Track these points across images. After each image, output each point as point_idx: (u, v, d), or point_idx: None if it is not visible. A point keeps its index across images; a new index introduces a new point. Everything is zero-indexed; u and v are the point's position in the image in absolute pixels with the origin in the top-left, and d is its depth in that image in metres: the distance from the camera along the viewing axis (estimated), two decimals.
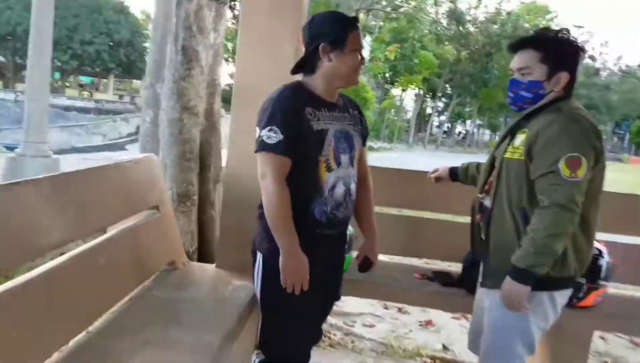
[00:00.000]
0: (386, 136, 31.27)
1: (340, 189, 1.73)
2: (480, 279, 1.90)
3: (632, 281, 2.60)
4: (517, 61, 1.77)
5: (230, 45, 20.51)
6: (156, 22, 3.22)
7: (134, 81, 40.82)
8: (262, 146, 1.63)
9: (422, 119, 40.44)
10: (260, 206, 1.70)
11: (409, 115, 37.84)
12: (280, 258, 1.63)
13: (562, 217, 1.58)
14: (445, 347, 3.17)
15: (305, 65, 1.74)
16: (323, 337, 3.04)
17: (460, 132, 44.90)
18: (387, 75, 28.64)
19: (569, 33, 1.76)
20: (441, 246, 2.60)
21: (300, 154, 1.66)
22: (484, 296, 1.88)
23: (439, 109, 41.07)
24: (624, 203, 2.49)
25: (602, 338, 3.48)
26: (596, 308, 2.15)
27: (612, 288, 2.24)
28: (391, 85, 32.05)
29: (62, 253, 1.66)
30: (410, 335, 3.33)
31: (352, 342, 3.10)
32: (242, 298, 1.88)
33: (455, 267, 2.54)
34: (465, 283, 2.25)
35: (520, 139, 1.73)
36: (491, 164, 1.92)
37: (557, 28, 1.82)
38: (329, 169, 1.71)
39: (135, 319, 1.63)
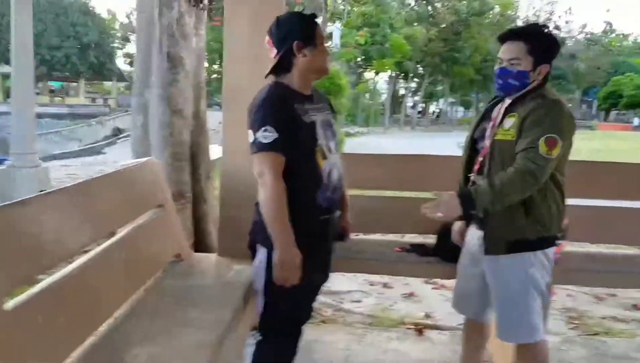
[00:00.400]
0: (363, 120, 31.49)
1: (335, 174, 1.88)
2: (480, 246, 2.02)
3: (584, 239, 2.95)
4: (507, 51, 1.97)
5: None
6: (139, 30, 3.37)
7: (105, 83, 40.22)
8: (260, 147, 1.71)
9: (396, 101, 40.80)
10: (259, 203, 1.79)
11: (384, 97, 38.08)
12: (276, 253, 1.74)
13: (529, 184, 1.83)
14: (427, 315, 3.47)
15: (280, 65, 1.84)
16: (316, 315, 3.33)
17: (434, 112, 45.42)
18: (359, 60, 28.80)
19: (549, 29, 2.04)
20: (416, 222, 2.87)
21: (299, 148, 1.77)
22: (485, 263, 2.04)
23: (412, 89, 41.43)
24: (575, 169, 2.78)
25: (569, 295, 3.84)
26: (555, 265, 2.44)
27: (567, 246, 2.53)
28: (364, 69, 32.24)
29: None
30: (395, 306, 3.61)
31: (342, 317, 3.36)
32: (243, 280, 2.11)
33: (430, 239, 2.81)
34: (440, 251, 2.54)
35: (510, 122, 1.93)
36: (471, 145, 2.12)
37: (541, 23, 2.14)
38: (325, 157, 1.84)
39: (154, 305, 1.85)
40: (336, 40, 16.78)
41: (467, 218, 2.07)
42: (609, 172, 2.97)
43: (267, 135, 1.70)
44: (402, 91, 40.23)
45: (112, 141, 20.70)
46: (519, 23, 36.36)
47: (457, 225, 2.26)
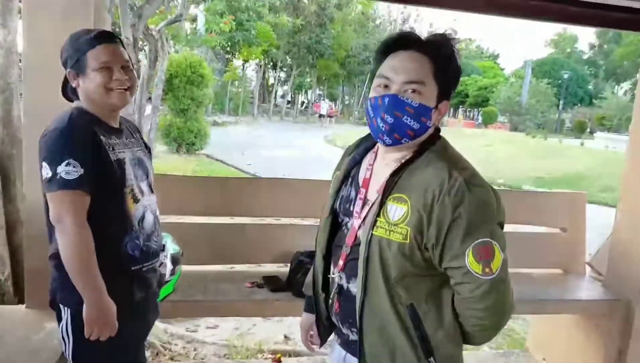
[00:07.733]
0: (231, 109, 30.77)
1: (149, 219, 1.65)
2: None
3: None
4: (408, 69, 1.17)
5: None
6: None
7: None
8: (62, 184, 1.42)
9: (265, 90, 40.59)
10: (56, 256, 1.49)
11: (253, 85, 37.63)
12: (85, 308, 1.48)
13: (500, 316, 1.22)
14: (286, 337, 3.33)
15: (67, 91, 1.63)
16: (164, 351, 2.98)
17: (303, 102, 46.09)
18: (225, 44, 27.97)
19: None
20: (268, 250, 2.66)
21: (104, 188, 1.50)
22: None
23: (281, 79, 41.51)
24: None
25: None
26: None
27: None
28: (232, 56, 31.43)
29: None
30: (254, 329, 3.43)
31: (195, 349, 3.08)
32: (55, 344, 1.72)
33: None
34: (292, 287, 2.36)
35: (399, 212, 1.17)
36: (332, 220, 1.37)
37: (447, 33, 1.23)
38: (136, 200, 1.59)
39: None
40: (200, 25, 16.00)
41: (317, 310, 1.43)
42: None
43: (71, 170, 1.43)
44: (272, 80, 40.16)
45: None
46: (378, 22, 38.22)
47: (305, 322, 1.52)
